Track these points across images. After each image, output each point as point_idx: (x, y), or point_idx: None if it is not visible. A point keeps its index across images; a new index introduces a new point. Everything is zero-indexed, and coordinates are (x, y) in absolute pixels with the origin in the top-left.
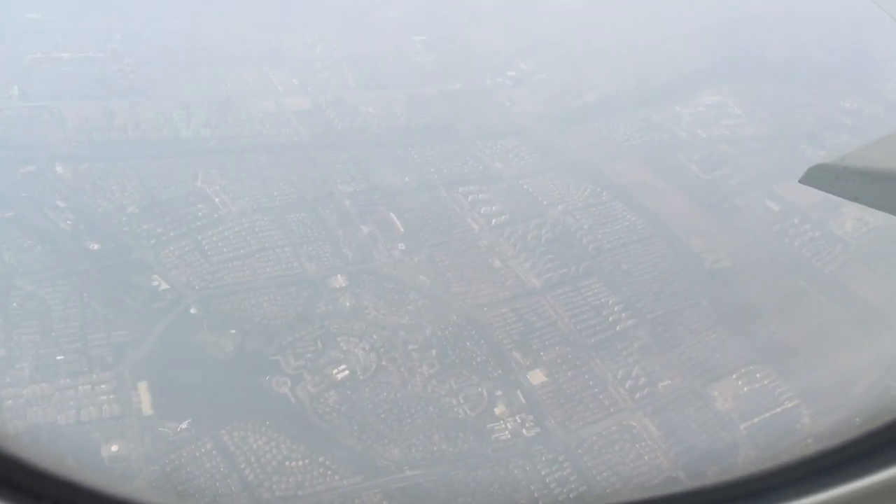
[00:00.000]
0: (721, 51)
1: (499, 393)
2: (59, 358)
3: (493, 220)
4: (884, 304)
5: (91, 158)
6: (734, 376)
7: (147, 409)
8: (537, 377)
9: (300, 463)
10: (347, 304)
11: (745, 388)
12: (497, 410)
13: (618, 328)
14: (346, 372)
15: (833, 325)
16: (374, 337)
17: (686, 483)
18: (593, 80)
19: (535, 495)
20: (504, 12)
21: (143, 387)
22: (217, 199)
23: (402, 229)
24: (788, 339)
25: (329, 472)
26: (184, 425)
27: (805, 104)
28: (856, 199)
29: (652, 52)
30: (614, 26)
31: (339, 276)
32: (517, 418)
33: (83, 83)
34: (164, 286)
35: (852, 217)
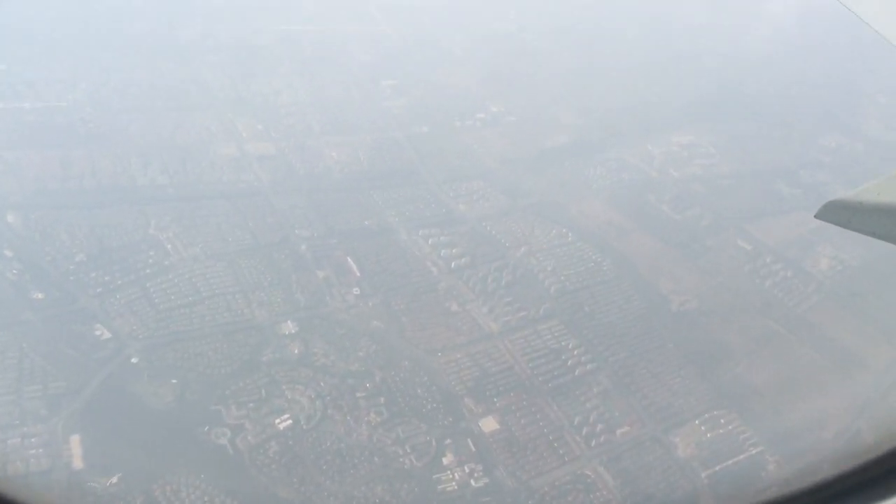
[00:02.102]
0: (697, 90)
1: (448, 441)
2: None
3: (453, 263)
4: (857, 345)
5: (43, 207)
6: (697, 422)
7: (78, 462)
8: (489, 425)
9: None
10: (296, 351)
11: (709, 435)
12: (445, 460)
13: (577, 372)
14: (290, 421)
15: (803, 367)
16: (322, 384)
17: None
18: (565, 120)
19: None
20: (477, 55)
21: (75, 440)
22: (169, 246)
23: (358, 274)
24: (756, 382)
25: None
26: (114, 479)
27: (782, 142)
28: (873, 234)
29: (626, 93)
30: (589, 69)
31: (289, 322)
32: (466, 468)
33: (43, 132)
34: (107, 335)
35: (827, 256)
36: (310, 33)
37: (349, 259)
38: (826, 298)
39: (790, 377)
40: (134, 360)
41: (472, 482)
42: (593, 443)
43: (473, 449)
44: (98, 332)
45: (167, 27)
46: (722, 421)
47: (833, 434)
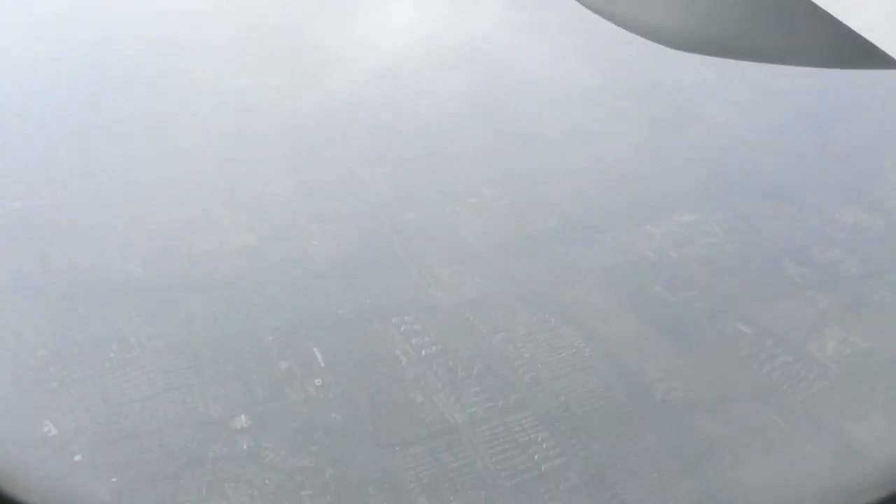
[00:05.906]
0: (706, 165)
1: None
2: None
3: (423, 352)
4: (864, 435)
5: (13, 303)
6: None
7: None
8: None
9: None
10: (245, 447)
11: None
12: None
13: (543, 468)
14: None
15: (799, 461)
16: (266, 482)
17: None
18: (560, 203)
19: None
20: (475, 143)
21: None
22: (133, 339)
23: (322, 364)
24: (744, 479)
25: None
26: None
27: (794, 219)
28: None
29: (627, 170)
30: (590, 143)
31: (242, 416)
32: None
33: (25, 228)
34: (54, 432)
35: (835, 339)
36: (309, 115)
37: (315, 349)
38: (831, 385)
39: (784, 473)
40: (77, 458)
41: None
42: None
43: None
44: (46, 429)
45: (165, 121)
46: None
47: None
